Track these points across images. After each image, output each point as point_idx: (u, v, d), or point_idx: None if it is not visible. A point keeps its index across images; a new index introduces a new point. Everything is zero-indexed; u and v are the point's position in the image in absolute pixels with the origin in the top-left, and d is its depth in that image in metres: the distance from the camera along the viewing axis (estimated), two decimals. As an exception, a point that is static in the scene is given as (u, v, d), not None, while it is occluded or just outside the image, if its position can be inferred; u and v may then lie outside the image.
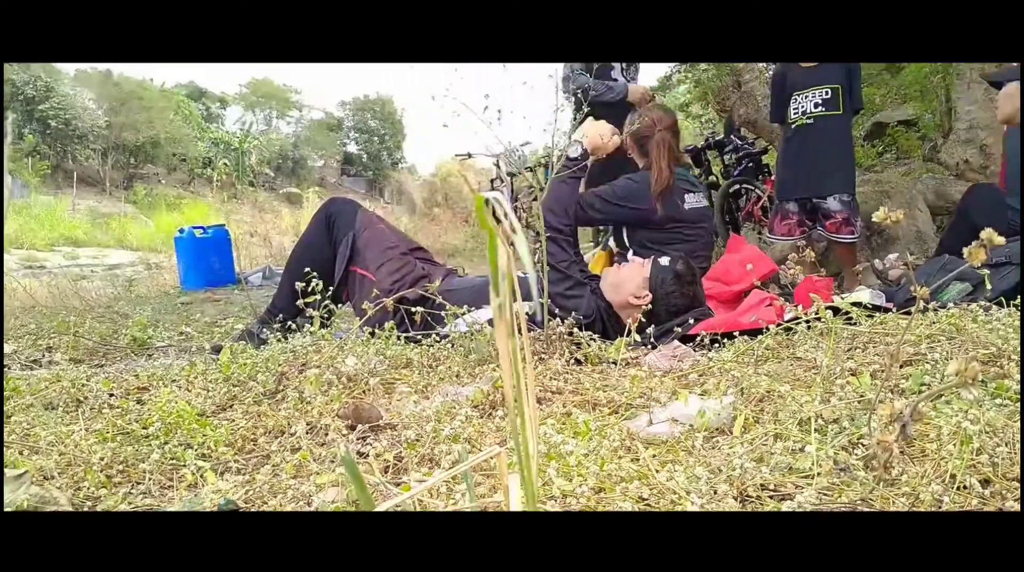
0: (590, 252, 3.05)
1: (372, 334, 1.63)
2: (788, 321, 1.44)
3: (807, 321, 1.38)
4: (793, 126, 2.89)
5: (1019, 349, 1.14)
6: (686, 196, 2.36)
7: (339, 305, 2.02)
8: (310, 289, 1.66)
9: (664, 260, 1.92)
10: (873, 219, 0.83)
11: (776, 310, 1.69)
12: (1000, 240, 0.68)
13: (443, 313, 1.67)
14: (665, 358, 1.48)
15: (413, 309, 1.69)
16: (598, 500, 0.79)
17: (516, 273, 0.42)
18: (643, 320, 1.59)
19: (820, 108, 2.82)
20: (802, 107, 2.87)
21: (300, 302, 1.63)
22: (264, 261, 6.17)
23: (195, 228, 4.92)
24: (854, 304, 1.38)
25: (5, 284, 4.19)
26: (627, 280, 1.92)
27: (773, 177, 4.32)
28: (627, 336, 1.58)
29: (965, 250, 0.69)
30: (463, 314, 1.61)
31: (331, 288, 1.98)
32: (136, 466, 1.00)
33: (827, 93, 2.81)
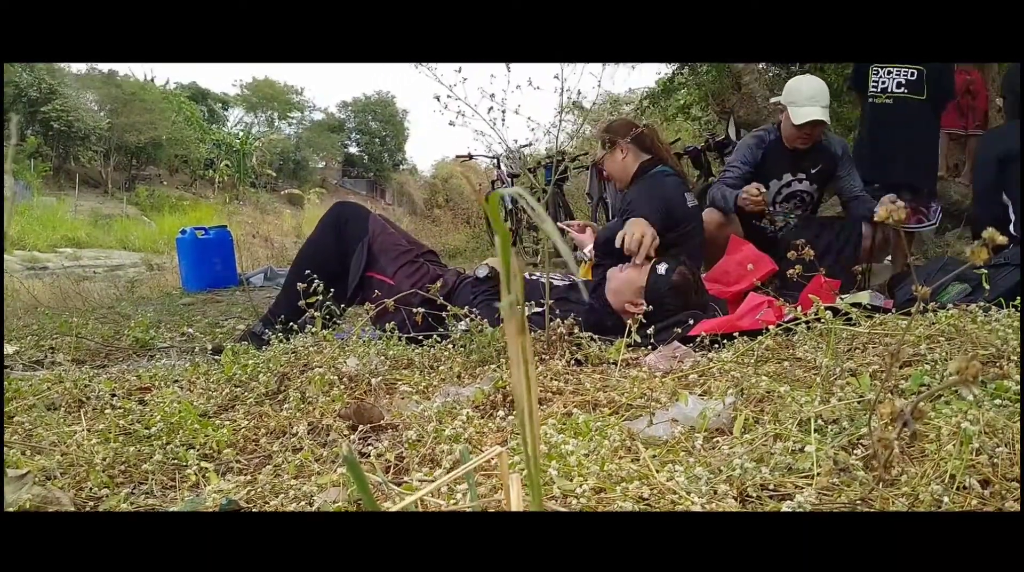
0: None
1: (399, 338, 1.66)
2: (788, 322, 1.44)
3: (807, 322, 1.38)
4: (872, 101, 2.61)
5: (1018, 349, 1.14)
6: (686, 195, 2.36)
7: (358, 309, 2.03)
8: (312, 290, 1.66)
9: (661, 268, 1.89)
10: (873, 218, 0.84)
11: (776, 311, 1.69)
12: (1002, 239, 0.68)
13: (444, 314, 1.68)
14: (665, 359, 1.48)
15: (438, 304, 1.70)
16: (598, 500, 0.79)
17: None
18: (643, 321, 1.60)
19: (902, 89, 2.55)
20: (883, 83, 2.59)
21: (302, 303, 1.63)
22: (266, 262, 6.18)
23: (197, 229, 4.91)
24: (854, 305, 1.38)
25: (7, 285, 4.20)
26: (625, 286, 1.91)
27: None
28: (627, 337, 1.58)
29: (967, 249, 0.69)
30: (464, 316, 1.62)
31: (333, 291, 1.99)
32: (138, 466, 1.01)
33: (912, 74, 2.52)
